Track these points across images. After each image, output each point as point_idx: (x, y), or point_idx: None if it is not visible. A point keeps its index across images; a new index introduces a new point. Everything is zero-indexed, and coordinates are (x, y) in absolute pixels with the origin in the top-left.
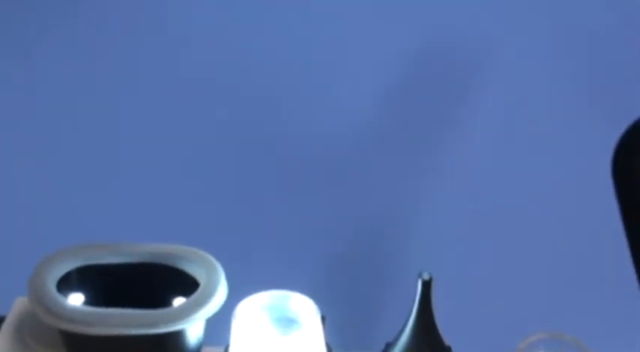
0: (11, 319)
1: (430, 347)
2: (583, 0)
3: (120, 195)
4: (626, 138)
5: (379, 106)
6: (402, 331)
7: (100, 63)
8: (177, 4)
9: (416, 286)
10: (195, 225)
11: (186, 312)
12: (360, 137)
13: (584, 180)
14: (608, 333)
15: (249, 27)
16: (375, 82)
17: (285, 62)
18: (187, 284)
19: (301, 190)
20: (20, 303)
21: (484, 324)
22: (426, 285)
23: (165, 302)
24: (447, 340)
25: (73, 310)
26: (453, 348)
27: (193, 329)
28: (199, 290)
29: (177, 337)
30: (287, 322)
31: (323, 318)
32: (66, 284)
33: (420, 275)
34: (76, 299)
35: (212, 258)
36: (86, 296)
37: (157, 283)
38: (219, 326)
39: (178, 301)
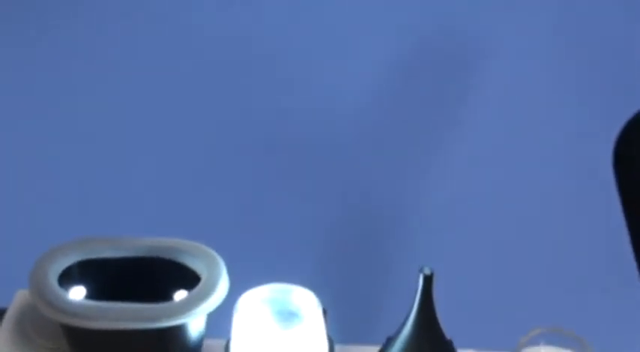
0: (12, 312)
1: (431, 342)
2: None
3: (121, 189)
4: (627, 131)
5: (381, 98)
6: (403, 325)
7: (100, 57)
8: None
9: (417, 280)
10: (197, 219)
11: (187, 306)
12: (361, 132)
13: (585, 175)
14: (608, 327)
15: (248, 17)
16: (375, 70)
17: (286, 54)
18: (189, 278)
19: (303, 184)
20: (21, 296)
21: (485, 318)
22: (428, 280)
23: (167, 296)
24: (448, 334)
25: (75, 304)
26: (454, 342)
27: (195, 323)
28: (201, 284)
29: (178, 331)
30: (288, 315)
31: (324, 312)
32: (67, 278)
33: (421, 270)
34: (77, 293)
35: (213, 252)
36: (87, 290)
37: (159, 277)
38: (220, 320)
39: (180, 295)
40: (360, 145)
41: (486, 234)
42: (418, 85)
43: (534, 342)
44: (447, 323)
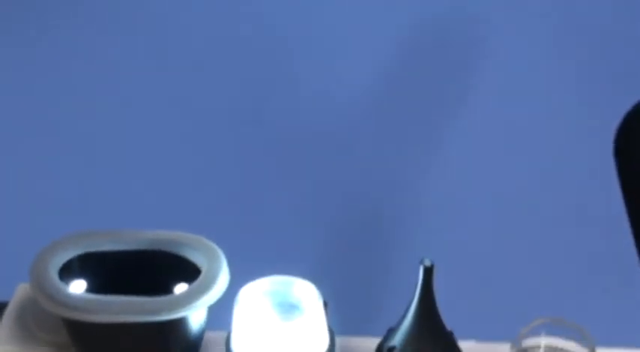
0: (13, 305)
1: (432, 333)
2: None
3: (121, 183)
4: (626, 122)
5: (381, 85)
6: (403, 317)
7: (98, 45)
8: None
9: (417, 272)
10: (197, 212)
11: (188, 299)
12: (361, 127)
13: (585, 166)
14: (608, 317)
15: (249, 13)
16: (375, 67)
17: (284, 52)
18: (189, 271)
19: (304, 178)
20: (22, 290)
21: (486, 310)
22: (428, 272)
23: (167, 290)
24: (449, 325)
25: (75, 298)
26: (454, 333)
27: (196, 316)
28: (201, 276)
29: (179, 324)
30: (289, 308)
31: (325, 304)
32: (68, 271)
33: (421, 262)
34: (78, 287)
35: (213, 245)
36: (88, 284)
37: (159, 270)
38: (221, 313)
39: (180, 288)
40: (360, 140)
41: (487, 226)
42: (417, 82)
43: (535, 333)
44: (448, 314)
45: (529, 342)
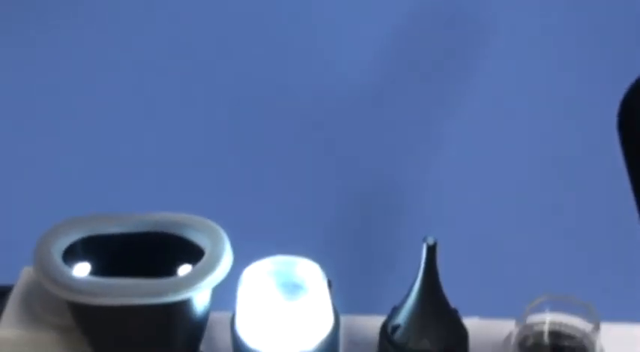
0: (19, 289)
1: (436, 311)
2: None
3: (124, 165)
4: (631, 93)
5: (384, 64)
6: (407, 295)
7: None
8: None
9: (421, 250)
10: (199, 193)
11: (192, 280)
12: (364, 107)
13: (591, 139)
14: (614, 294)
15: None
16: (377, 36)
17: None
18: (192, 253)
19: (306, 155)
20: (27, 273)
21: (490, 287)
22: (431, 250)
23: (171, 272)
24: (453, 303)
25: (79, 281)
26: (459, 311)
27: (200, 297)
28: (205, 258)
29: (184, 305)
30: (293, 287)
31: (329, 283)
32: (71, 254)
33: (424, 240)
34: (82, 270)
35: (216, 226)
36: (92, 267)
37: (162, 252)
38: (226, 294)
39: (184, 270)
40: (364, 119)
41: (491, 203)
42: (418, 59)
43: (540, 309)
44: (452, 292)
45: (534, 319)
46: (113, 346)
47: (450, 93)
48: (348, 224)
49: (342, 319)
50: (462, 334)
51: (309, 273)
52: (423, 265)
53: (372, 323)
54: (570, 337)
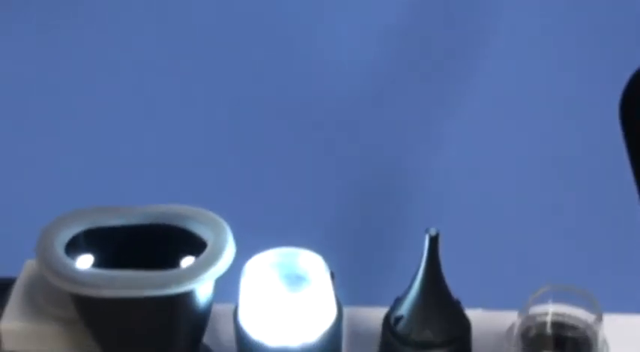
0: (22, 281)
1: (438, 302)
2: None
3: (124, 164)
4: (633, 84)
5: (384, 64)
6: (410, 286)
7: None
8: None
9: (423, 242)
10: (199, 192)
11: (195, 272)
12: (368, 97)
13: (591, 139)
14: (617, 285)
15: None
16: (377, 37)
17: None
18: (195, 245)
19: (309, 147)
20: (30, 266)
21: (493, 278)
22: (433, 241)
23: (174, 263)
24: (456, 294)
25: (82, 273)
26: (461, 302)
27: (203, 289)
28: (207, 250)
29: (187, 297)
30: (296, 279)
31: (332, 275)
32: (74, 247)
33: (427, 231)
34: (85, 262)
35: (219, 218)
36: (95, 259)
37: (165, 244)
38: (228, 285)
39: (186, 262)
40: (364, 119)
41: (493, 194)
42: (418, 59)
43: (543, 300)
44: (455, 283)
45: (536, 310)
46: (116, 338)
47: (450, 93)
48: (351, 216)
49: (345, 310)
50: (464, 325)
51: (312, 265)
52: (425, 256)
53: (374, 315)
54: (573, 328)
